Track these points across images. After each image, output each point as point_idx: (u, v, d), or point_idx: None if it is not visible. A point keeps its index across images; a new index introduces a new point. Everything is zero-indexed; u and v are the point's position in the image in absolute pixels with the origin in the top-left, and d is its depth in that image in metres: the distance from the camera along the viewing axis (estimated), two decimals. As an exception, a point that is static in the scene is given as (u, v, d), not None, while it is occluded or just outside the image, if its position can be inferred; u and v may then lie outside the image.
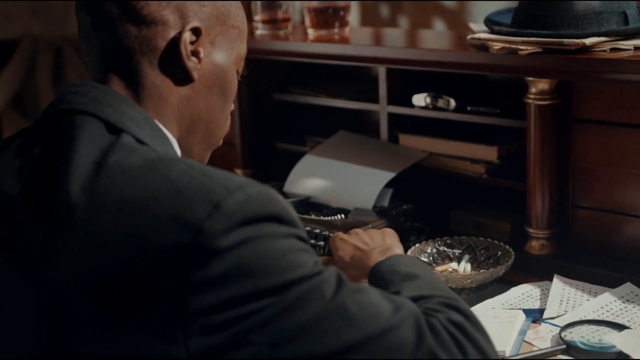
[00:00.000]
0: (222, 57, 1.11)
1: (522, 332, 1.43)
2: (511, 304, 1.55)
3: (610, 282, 1.59)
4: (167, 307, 0.89)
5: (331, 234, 1.70)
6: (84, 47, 1.10)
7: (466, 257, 1.72)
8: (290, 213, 0.95)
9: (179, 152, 1.11)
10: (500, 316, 1.46)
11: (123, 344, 0.91)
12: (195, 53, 1.07)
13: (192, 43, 1.06)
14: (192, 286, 0.88)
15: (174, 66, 1.06)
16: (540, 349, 1.35)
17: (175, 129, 1.09)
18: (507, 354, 1.35)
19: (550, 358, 1.34)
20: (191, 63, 1.06)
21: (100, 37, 1.06)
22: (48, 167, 0.98)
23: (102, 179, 0.94)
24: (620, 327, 1.39)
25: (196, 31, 1.06)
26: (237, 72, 1.16)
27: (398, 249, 1.35)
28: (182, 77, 1.07)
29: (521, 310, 1.48)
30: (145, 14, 1.04)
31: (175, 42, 1.05)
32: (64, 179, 0.95)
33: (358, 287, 0.97)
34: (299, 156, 2.06)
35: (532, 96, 1.66)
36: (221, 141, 1.21)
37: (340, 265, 1.39)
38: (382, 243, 1.39)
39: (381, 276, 1.22)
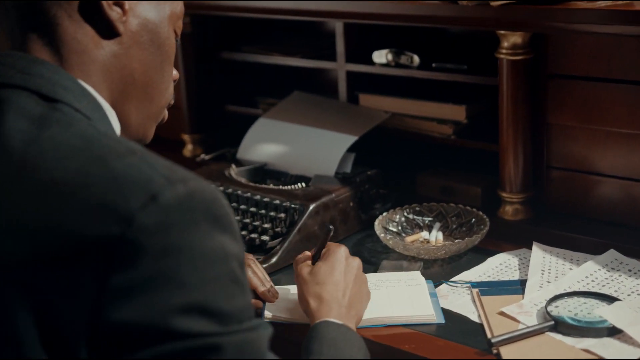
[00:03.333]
0: (152, 11, 1.01)
1: (434, 295, 1.38)
2: (489, 276, 1.44)
3: (590, 247, 1.50)
4: (78, 313, 0.79)
5: (293, 205, 1.57)
6: (0, 15, 0.99)
7: (437, 225, 1.61)
8: (234, 222, 0.86)
9: (117, 128, 1.01)
10: (403, 279, 1.42)
11: (26, 342, 0.81)
12: (119, 4, 0.97)
13: None
14: (111, 292, 0.78)
15: (95, 18, 0.96)
16: (527, 326, 1.25)
17: (105, 91, 0.98)
18: (436, 318, 1.30)
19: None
20: (114, 13, 0.97)
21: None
22: None
23: (31, 154, 0.85)
24: (609, 298, 1.30)
25: None
26: (176, 33, 1.06)
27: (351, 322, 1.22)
28: (105, 30, 0.97)
29: (418, 272, 1.44)
30: None
31: None
32: None
33: None
34: (250, 119, 1.92)
35: (504, 51, 1.55)
36: (166, 113, 1.11)
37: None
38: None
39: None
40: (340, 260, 1.27)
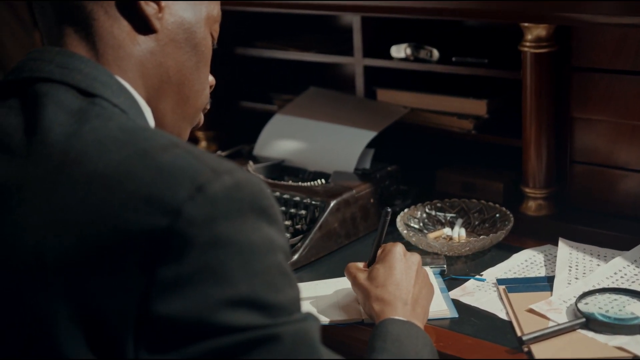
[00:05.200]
0: (188, 11, 1.01)
1: (444, 290, 1.36)
2: (515, 273, 1.42)
3: (615, 243, 1.47)
4: (125, 308, 0.77)
5: (313, 202, 1.55)
6: (38, 13, 0.99)
7: (459, 221, 1.59)
8: (279, 214, 0.85)
9: (153, 125, 0.99)
10: None
11: (65, 341, 0.79)
12: (155, 0, 0.97)
13: None
14: (158, 285, 0.76)
15: (132, 13, 0.96)
16: (558, 324, 1.22)
17: (141, 87, 0.97)
18: (449, 313, 1.29)
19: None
20: (150, 9, 0.96)
21: None
22: (8, 140, 0.87)
23: (72, 147, 0.83)
24: (640, 295, 1.28)
25: None
26: (212, 36, 1.06)
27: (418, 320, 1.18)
28: (142, 26, 0.97)
29: (429, 267, 1.40)
30: None
31: None
32: (27, 148, 0.85)
33: None
34: (265, 115, 1.89)
35: (527, 44, 1.52)
36: (202, 117, 1.10)
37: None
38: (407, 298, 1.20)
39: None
40: (399, 258, 1.24)
